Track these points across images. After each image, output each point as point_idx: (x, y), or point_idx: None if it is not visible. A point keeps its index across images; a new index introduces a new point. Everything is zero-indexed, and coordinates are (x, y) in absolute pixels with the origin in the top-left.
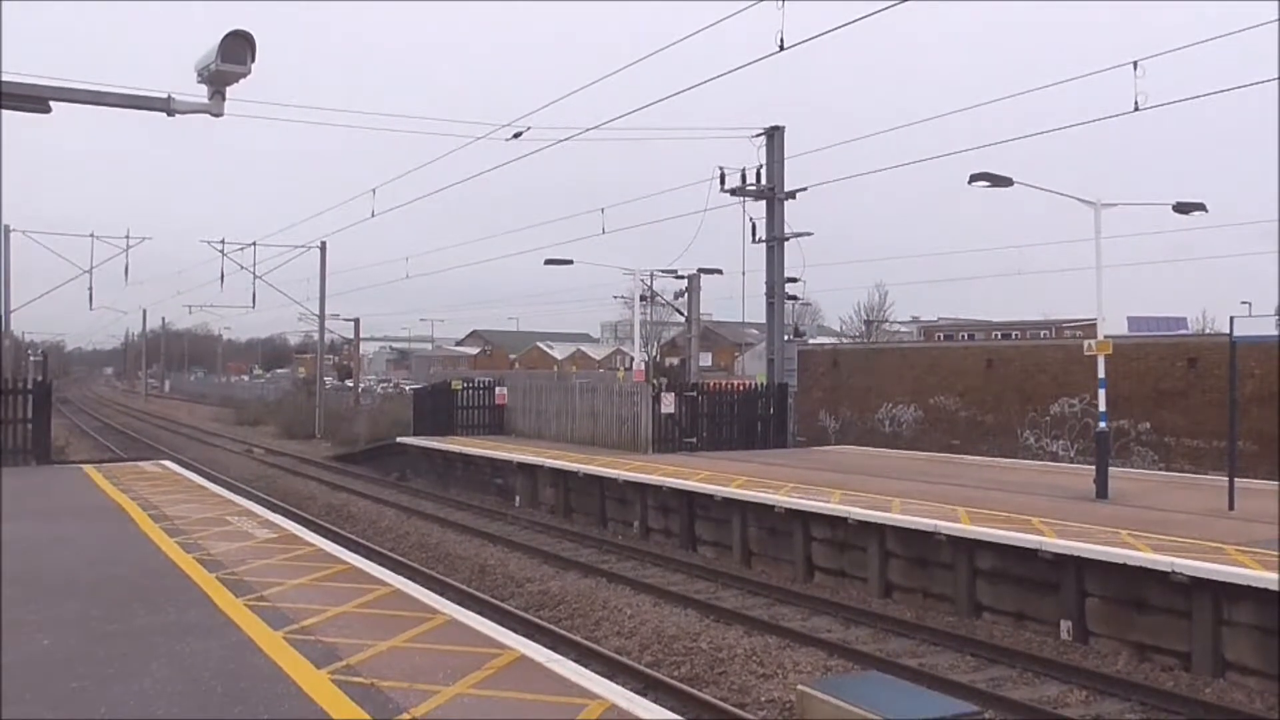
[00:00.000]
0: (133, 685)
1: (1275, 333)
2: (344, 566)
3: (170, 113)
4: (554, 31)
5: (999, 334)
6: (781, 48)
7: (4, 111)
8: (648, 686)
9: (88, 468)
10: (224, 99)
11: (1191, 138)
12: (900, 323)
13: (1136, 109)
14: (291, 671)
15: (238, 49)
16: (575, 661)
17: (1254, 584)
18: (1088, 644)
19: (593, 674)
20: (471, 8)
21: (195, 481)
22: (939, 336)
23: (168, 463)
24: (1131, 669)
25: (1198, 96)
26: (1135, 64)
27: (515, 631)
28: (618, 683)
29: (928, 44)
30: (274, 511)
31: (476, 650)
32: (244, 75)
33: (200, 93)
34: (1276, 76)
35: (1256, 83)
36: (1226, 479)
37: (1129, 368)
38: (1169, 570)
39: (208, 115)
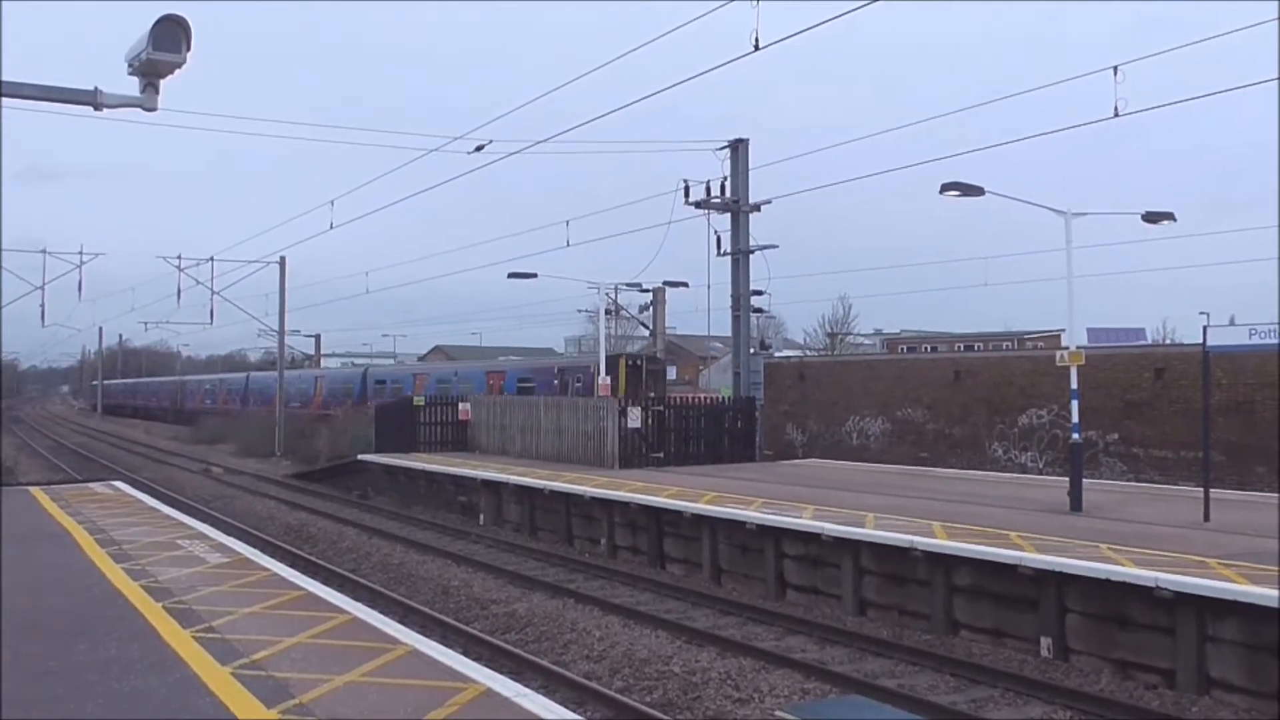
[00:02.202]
0: None
1: (1247, 342)
2: (300, 593)
3: (98, 107)
4: (521, 35)
5: (962, 346)
6: (756, 47)
7: None
8: (619, 714)
9: (35, 490)
10: (157, 92)
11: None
12: (863, 335)
13: (1116, 115)
14: (239, 712)
15: (171, 36)
16: (544, 694)
17: (1240, 599)
18: (1069, 661)
19: (563, 709)
20: (431, 10)
21: (147, 503)
22: (902, 349)
23: (119, 484)
24: (1115, 688)
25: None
26: (1115, 69)
27: (480, 662)
28: (589, 715)
29: (896, 52)
30: (228, 534)
31: (439, 684)
32: (179, 65)
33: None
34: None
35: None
36: (1196, 489)
37: (1096, 378)
38: (1152, 585)
39: (140, 110)
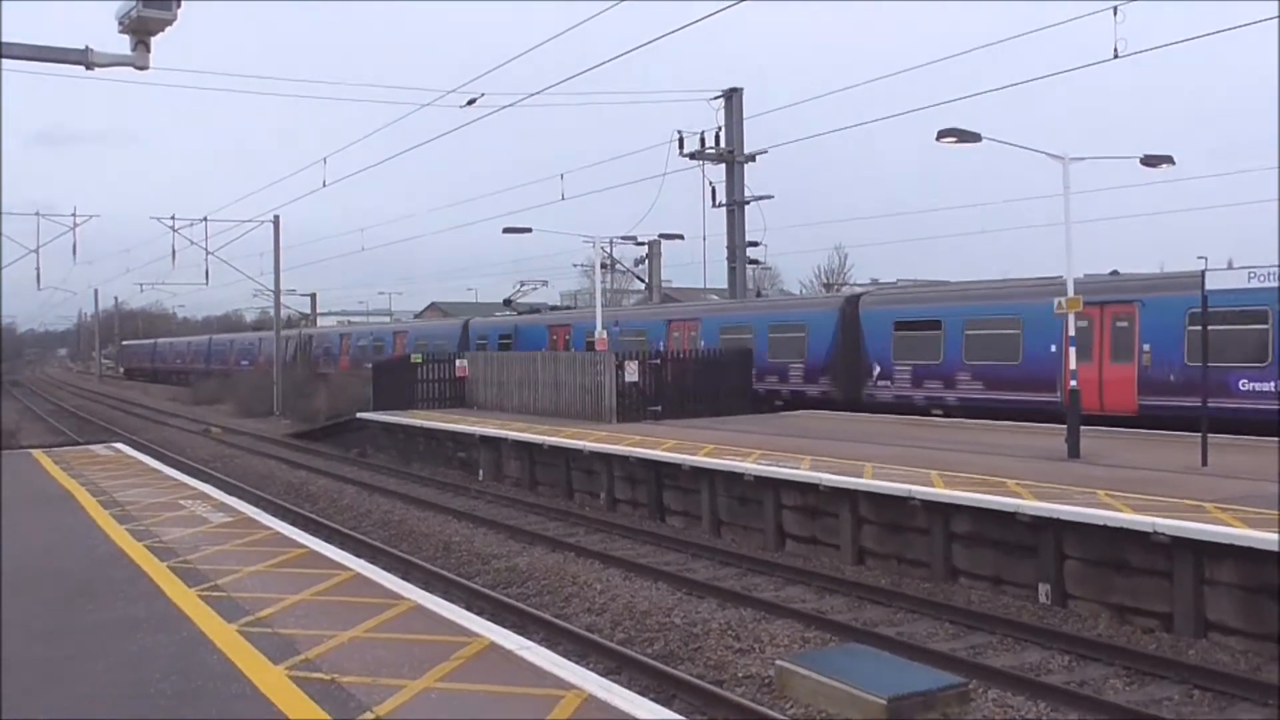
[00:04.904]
0: (75, 689)
1: (1246, 286)
2: (303, 551)
3: (89, 66)
4: None
5: None
6: None
7: None
8: (621, 666)
9: (38, 453)
10: (149, 50)
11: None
12: (859, 285)
13: (1116, 56)
14: (246, 668)
15: None
16: (546, 647)
17: (1237, 542)
18: (1067, 607)
19: (566, 661)
20: None
21: (148, 464)
22: None
23: (120, 445)
24: (1113, 632)
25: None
26: (1115, 9)
27: (483, 616)
28: (591, 667)
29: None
30: (230, 493)
31: (443, 639)
32: (170, 22)
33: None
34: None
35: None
36: (1194, 434)
37: None
38: (1150, 530)
39: (131, 69)
